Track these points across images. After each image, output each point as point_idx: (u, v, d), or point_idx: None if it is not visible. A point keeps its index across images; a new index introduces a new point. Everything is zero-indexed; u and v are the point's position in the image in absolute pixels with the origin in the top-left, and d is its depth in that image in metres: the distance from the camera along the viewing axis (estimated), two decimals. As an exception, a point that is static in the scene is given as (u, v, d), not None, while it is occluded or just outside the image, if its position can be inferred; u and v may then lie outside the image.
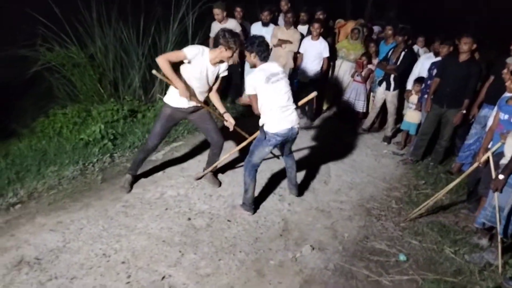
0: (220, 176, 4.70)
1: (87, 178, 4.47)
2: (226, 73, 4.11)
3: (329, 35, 7.00)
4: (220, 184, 4.53)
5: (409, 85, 6.03)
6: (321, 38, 6.39)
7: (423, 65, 5.85)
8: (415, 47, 6.59)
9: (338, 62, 6.98)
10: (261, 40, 3.75)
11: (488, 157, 3.73)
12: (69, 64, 6.33)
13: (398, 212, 4.42)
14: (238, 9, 6.88)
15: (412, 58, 6.04)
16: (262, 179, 4.63)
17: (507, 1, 9.95)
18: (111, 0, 6.43)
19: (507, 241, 3.62)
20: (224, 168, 4.83)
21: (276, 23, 6.94)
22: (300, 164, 4.77)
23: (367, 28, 7.37)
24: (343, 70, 6.93)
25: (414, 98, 5.91)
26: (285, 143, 4.04)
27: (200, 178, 4.55)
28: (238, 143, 4.64)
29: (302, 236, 3.84)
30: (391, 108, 6.30)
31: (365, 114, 6.94)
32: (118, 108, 5.90)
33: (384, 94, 6.25)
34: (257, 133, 4.08)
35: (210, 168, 4.45)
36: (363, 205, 4.49)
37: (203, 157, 4.84)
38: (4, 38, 6.35)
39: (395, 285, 3.34)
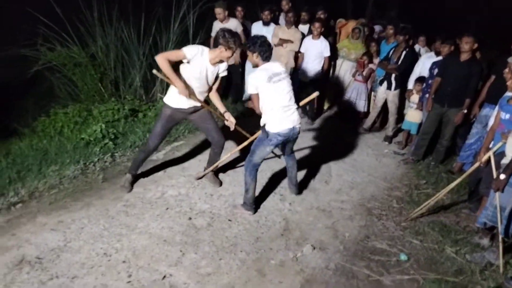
0: (221, 175, 4.70)
1: (88, 177, 4.47)
2: (225, 73, 4.11)
3: (330, 34, 7.00)
4: (221, 183, 4.53)
5: (410, 84, 6.03)
6: (322, 38, 6.39)
7: (424, 64, 5.84)
8: (416, 47, 6.58)
9: (339, 62, 6.98)
10: (263, 40, 3.75)
11: (489, 157, 3.72)
12: (70, 64, 6.34)
13: (399, 211, 4.42)
14: (239, 8, 6.88)
15: (413, 58, 6.04)
16: (263, 178, 4.64)
17: (508, 0, 9.93)
18: (112, -1, 6.45)
19: (508, 241, 3.61)
20: (225, 168, 4.83)
21: (277, 23, 6.94)
22: (301, 164, 4.77)
23: (368, 27, 7.36)
24: (344, 69, 6.93)
25: (415, 98, 5.90)
26: (286, 143, 4.05)
27: (201, 178, 4.55)
28: (239, 143, 4.64)
29: (303, 235, 3.84)
30: (392, 107, 6.29)
31: (366, 113, 6.94)
32: (119, 107, 5.91)
33: (385, 94, 6.24)
34: (258, 133, 4.08)
35: (211, 168, 4.45)
36: (364, 205, 4.49)
37: (204, 156, 4.84)
38: (4, 38, 6.36)
39: (396, 284, 3.34)
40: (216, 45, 3.82)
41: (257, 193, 4.16)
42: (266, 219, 4.02)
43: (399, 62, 5.93)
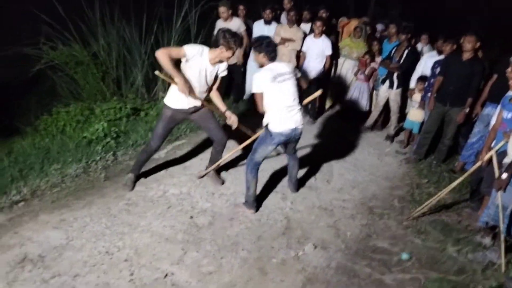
0: (222, 174, 4.70)
1: (90, 176, 4.48)
2: (225, 73, 4.11)
3: (332, 33, 6.99)
4: (223, 182, 4.54)
5: (412, 83, 6.02)
6: (323, 36, 6.38)
7: (426, 63, 5.84)
8: (419, 45, 6.58)
9: (340, 61, 6.97)
10: (269, 40, 3.79)
11: (491, 156, 3.72)
12: (72, 63, 6.34)
13: (400, 210, 4.41)
14: (241, 7, 6.88)
15: (415, 57, 6.03)
16: (264, 177, 4.64)
17: (508, 0, 9.91)
18: (113, -2, 6.46)
19: (510, 240, 3.62)
20: (227, 167, 4.83)
21: (278, 21, 6.94)
22: (303, 163, 4.77)
23: (370, 26, 7.35)
24: (346, 68, 6.92)
25: (417, 97, 5.89)
26: (288, 143, 4.06)
27: (202, 177, 4.55)
28: (240, 142, 4.65)
29: (304, 234, 3.84)
30: (394, 106, 6.29)
31: (368, 112, 6.93)
32: (121, 106, 5.92)
33: (387, 93, 6.24)
34: (260, 132, 4.09)
35: (213, 167, 4.45)
36: (366, 204, 4.48)
37: (206, 155, 4.84)
38: (6, 38, 6.37)
39: (397, 283, 3.34)
40: (216, 45, 3.82)
41: (258, 192, 4.16)
42: (268, 218, 4.02)
43: (401, 61, 5.92)
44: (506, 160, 3.53)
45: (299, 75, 4.03)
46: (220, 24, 6.45)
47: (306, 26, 6.88)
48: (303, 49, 6.52)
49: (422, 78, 5.80)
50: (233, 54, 3.88)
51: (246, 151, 4.71)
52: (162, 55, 3.60)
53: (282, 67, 3.84)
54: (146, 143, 4.59)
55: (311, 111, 6.78)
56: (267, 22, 6.68)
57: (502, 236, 3.47)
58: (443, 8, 11.97)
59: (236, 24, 6.35)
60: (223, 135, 4.27)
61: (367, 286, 3.29)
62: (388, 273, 3.43)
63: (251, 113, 6.33)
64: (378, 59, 6.61)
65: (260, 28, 6.68)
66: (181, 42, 6.76)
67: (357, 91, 6.83)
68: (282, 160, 4.91)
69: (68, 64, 6.35)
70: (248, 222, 3.92)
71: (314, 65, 6.48)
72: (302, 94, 4.10)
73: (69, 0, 6.21)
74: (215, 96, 4.20)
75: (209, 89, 4.12)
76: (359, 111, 6.94)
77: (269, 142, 3.83)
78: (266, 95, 3.74)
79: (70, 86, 6.57)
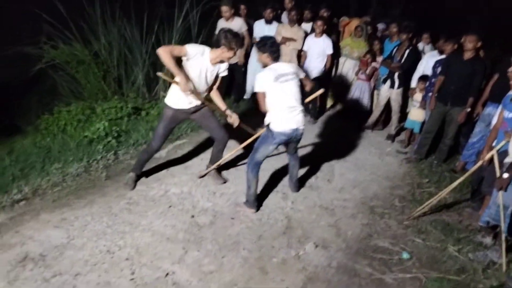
0: (223, 174, 4.70)
1: (91, 175, 4.49)
2: (226, 73, 4.12)
3: (333, 32, 6.99)
4: (225, 181, 4.55)
5: (414, 83, 6.01)
6: (324, 36, 6.38)
7: (427, 63, 5.83)
8: (420, 45, 6.57)
9: (341, 60, 6.97)
10: (273, 40, 3.81)
11: (492, 156, 3.72)
12: (73, 62, 6.34)
13: (401, 210, 4.41)
14: (242, 6, 6.88)
15: (416, 56, 6.02)
16: (265, 177, 4.64)
17: (508, 0, 9.90)
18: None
19: (511, 240, 3.61)
20: (228, 166, 4.84)
21: (279, 21, 6.94)
22: (304, 162, 4.77)
23: (371, 26, 7.35)
24: (347, 67, 6.92)
25: (418, 96, 5.88)
26: (289, 143, 4.07)
27: (203, 176, 4.55)
28: (241, 141, 4.65)
29: (305, 234, 3.84)
30: (395, 106, 6.29)
31: (369, 112, 6.92)
32: (122, 105, 5.92)
33: (388, 92, 6.23)
34: (261, 132, 4.10)
35: (214, 166, 4.46)
36: (367, 203, 4.48)
37: (207, 155, 4.84)
38: (6, 38, 6.37)
39: (398, 283, 3.34)
40: (217, 45, 3.82)
41: (259, 192, 4.16)
42: (269, 217, 4.03)
43: (403, 60, 5.91)
44: (507, 160, 3.53)
45: (302, 75, 4.03)
46: (222, 24, 6.45)
47: (307, 26, 6.87)
48: (304, 48, 6.52)
49: (423, 78, 5.80)
50: (234, 54, 3.89)
51: (247, 150, 4.72)
52: (164, 53, 3.60)
53: (286, 67, 3.85)
54: (148, 143, 4.60)
55: (312, 110, 6.78)
56: (268, 22, 6.68)
57: (503, 236, 3.47)
58: (443, 8, 11.96)
59: (238, 24, 6.35)
60: (224, 133, 4.27)
61: (367, 286, 3.29)
62: (388, 273, 3.43)
63: (252, 112, 6.35)
64: (379, 59, 6.60)
65: (260, 28, 6.68)
66: (182, 42, 6.75)
67: (358, 90, 6.83)
68: (282, 160, 4.91)
69: (69, 63, 6.35)
70: (249, 222, 3.92)
71: (315, 65, 6.48)
72: (304, 94, 4.12)
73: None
74: (215, 95, 4.21)
75: (210, 89, 4.13)
76: (360, 111, 6.94)
77: (270, 141, 3.84)
78: (269, 95, 3.75)
79: (71, 85, 6.57)
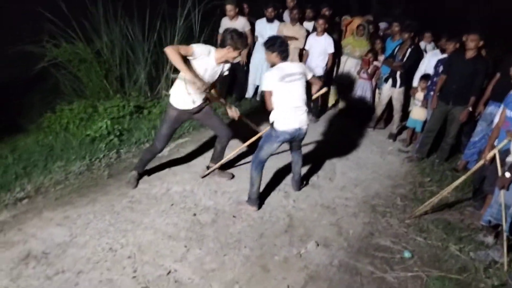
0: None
1: (94, 173, 4.50)
2: (227, 72, 4.16)
3: (334, 31, 6.99)
4: (231, 176, 4.57)
5: (415, 82, 6.00)
6: (326, 34, 6.37)
7: (429, 62, 5.82)
8: (422, 43, 6.56)
9: (343, 59, 6.96)
10: (281, 40, 3.83)
11: (494, 155, 3.72)
12: (76, 60, 6.36)
13: (403, 209, 4.41)
14: (244, 5, 6.88)
15: (418, 55, 6.01)
16: (267, 175, 4.64)
17: (508, 0, 9.89)
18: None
19: (513, 239, 3.62)
20: (229, 165, 4.84)
21: (280, 19, 6.94)
22: (306, 161, 4.77)
23: (373, 25, 7.34)
24: (348, 66, 6.91)
25: (420, 95, 5.88)
26: (292, 141, 4.10)
27: (205, 176, 4.56)
28: (243, 141, 4.67)
29: (307, 232, 3.85)
30: (397, 105, 6.28)
31: (371, 111, 6.92)
32: (124, 104, 5.93)
33: (390, 91, 6.23)
34: (264, 131, 4.11)
35: (216, 166, 4.48)
36: (368, 202, 4.49)
37: (209, 153, 4.84)
38: (6, 37, 6.39)
39: (399, 281, 3.34)
40: (222, 44, 3.83)
41: (261, 190, 4.17)
42: (270, 216, 4.03)
43: (404, 59, 5.91)
44: (509, 159, 3.54)
45: (310, 76, 4.04)
46: (225, 23, 6.45)
47: (309, 25, 6.87)
48: (306, 47, 6.52)
49: (425, 77, 5.79)
50: (239, 54, 3.94)
51: (248, 149, 4.74)
52: (172, 51, 3.61)
53: (293, 67, 3.87)
54: (151, 143, 4.61)
55: (313, 109, 6.78)
56: (270, 20, 6.68)
57: (505, 235, 3.47)
58: (443, 8, 11.94)
59: (241, 23, 6.36)
60: (228, 129, 4.31)
61: (369, 284, 3.29)
62: (390, 271, 3.44)
63: (253, 111, 6.37)
64: (381, 58, 6.60)
65: (262, 26, 6.69)
66: (184, 40, 6.77)
67: (360, 89, 6.82)
68: (284, 159, 4.91)
69: (71, 62, 6.36)
70: (250, 220, 3.93)
71: (317, 63, 6.47)
72: (311, 95, 4.15)
73: (72, -2, 6.23)
74: (213, 91, 4.25)
75: (212, 86, 4.15)
76: (362, 110, 6.93)
77: (274, 139, 3.88)
78: (275, 94, 3.79)
79: (73, 84, 6.59)
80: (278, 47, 3.76)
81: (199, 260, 3.33)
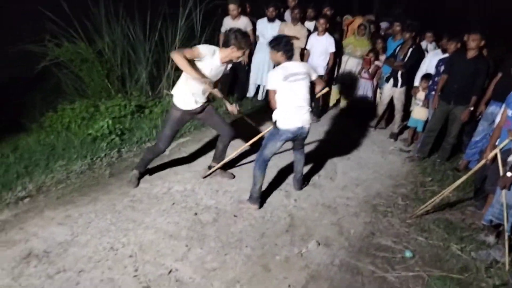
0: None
1: (95, 172, 4.50)
2: (228, 71, 4.21)
3: (336, 31, 6.98)
4: (233, 176, 4.57)
5: (417, 81, 6.00)
6: (327, 34, 6.37)
7: (430, 61, 5.81)
8: (424, 43, 6.56)
9: (344, 59, 6.96)
10: (286, 39, 3.86)
11: (496, 154, 3.71)
12: (77, 60, 6.37)
13: (404, 208, 4.41)
14: (246, 5, 6.88)
15: (419, 55, 6.01)
16: (268, 175, 4.62)
17: (508, 0, 9.88)
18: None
19: (514, 239, 3.61)
20: (231, 165, 4.84)
21: (282, 19, 6.94)
22: (307, 160, 4.76)
23: (375, 24, 7.34)
24: (350, 66, 6.91)
25: (421, 95, 5.88)
26: (295, 140, 4.12)
27: (207, 176, 4.56)
28: (246, 140, 4.67)
29: (308, 232, 3.85)
30: (398, 104, 6.28)
31: (372, 111, 6.91)
32: (125, 103, 5.94)
33: (391, 91, 6.23)
34: (266, 131, 4.12)
35: (218, 166, 4.48)
36: (369, 202, 4.49)
37: (210, 153, 4.85)
38: (7, 37, 6.40)
39: (401, 281, 3.34)
40: (226, 44, 3.84)
41: (263, 189, 4.17)
42: (272, 215, 4.03)
43: (406, 59, 5.91)
44: (511, 158, 3.53)
45: (314, 77, 4.05)
46: (228, 22, 6.46)
47: (310, 24, 6.87)
48: (307, 47, 6.52)
49: (426, 76, 5.79)
50: (243, 54, 3.96)
51: (250, 149, 4.74)
52: (178, 57, 3.63)
53: (298, 66, 3.90)
54: (154, 143, 4.61)
55: (314, 109, 6.72)
56: (271, 20, 6.68)
57: (506, 235, 3.47)
58: (443, 8, 11.94)
59: (243, 23, 6.36)
60: (230, 127, 4.33)
61: (370, 284, 3.29)
62: (391, 271, 3.43)
63: (255, 110, 6.37)
64: (382, 57, 6.60)
65: (263, 26, 6.69)
66: (185, 40, 6.78)
67: (361, 89, 6.82)
68: (286, 158, 4.92)
69: (73, 61, 6.37)
70: (252, 219, 3.93)
71: (318, 63, 6.46)
72: (314, 94, 4.16)
73: (74, -2, 6.24)
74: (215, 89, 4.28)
75: (215, 85, 4.16)
76: (363, 109, 6.93)
77: (277, 138, 3.91)
78: (278, 93, 3.81)
79: (75, 83, 6.60)
80: (283, 46, 3.79)
81: (200, 259, 3.33)
